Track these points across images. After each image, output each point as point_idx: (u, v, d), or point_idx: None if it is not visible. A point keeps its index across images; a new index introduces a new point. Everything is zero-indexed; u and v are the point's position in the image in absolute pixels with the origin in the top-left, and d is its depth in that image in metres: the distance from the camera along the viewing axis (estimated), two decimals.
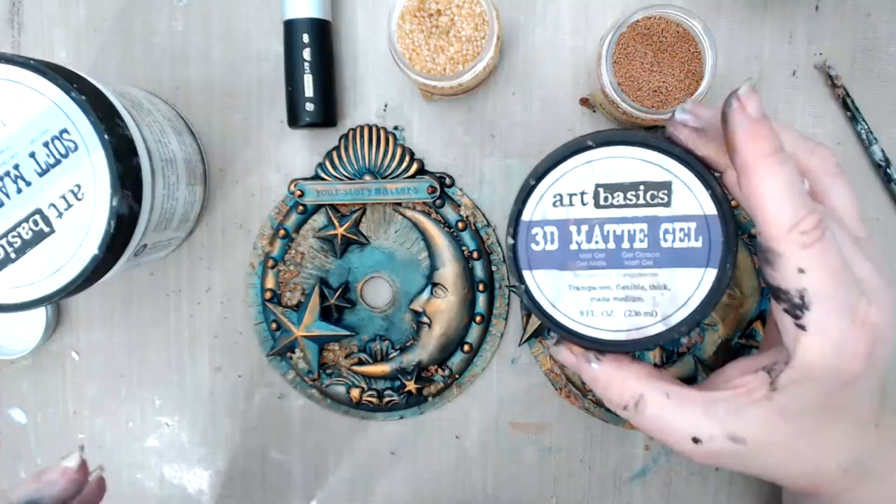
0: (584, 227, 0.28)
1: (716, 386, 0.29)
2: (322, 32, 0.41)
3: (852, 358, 0.26)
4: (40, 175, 0.32)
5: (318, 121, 0.41)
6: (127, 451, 0.46)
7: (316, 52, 0.41)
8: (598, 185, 0.28)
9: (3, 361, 0.46)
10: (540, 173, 0.28)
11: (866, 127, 0.41)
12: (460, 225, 0.43)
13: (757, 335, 0.42)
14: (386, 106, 0.43)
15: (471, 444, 0.45)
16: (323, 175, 0.43)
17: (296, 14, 0.41)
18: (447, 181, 0.43)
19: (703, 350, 0.42)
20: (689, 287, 0.28)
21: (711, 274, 0.27)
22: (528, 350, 0.44)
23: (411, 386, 0.44)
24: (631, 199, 0.28)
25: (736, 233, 0.27)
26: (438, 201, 0.43)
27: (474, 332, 0.44)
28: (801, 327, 0.26)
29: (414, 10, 0.36)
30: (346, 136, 0.43)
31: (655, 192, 0.27)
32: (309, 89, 0.41)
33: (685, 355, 0.42)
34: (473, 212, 0.43)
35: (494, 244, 0.43)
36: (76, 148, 0.31)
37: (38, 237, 0.32)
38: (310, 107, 0.41)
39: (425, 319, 0.44)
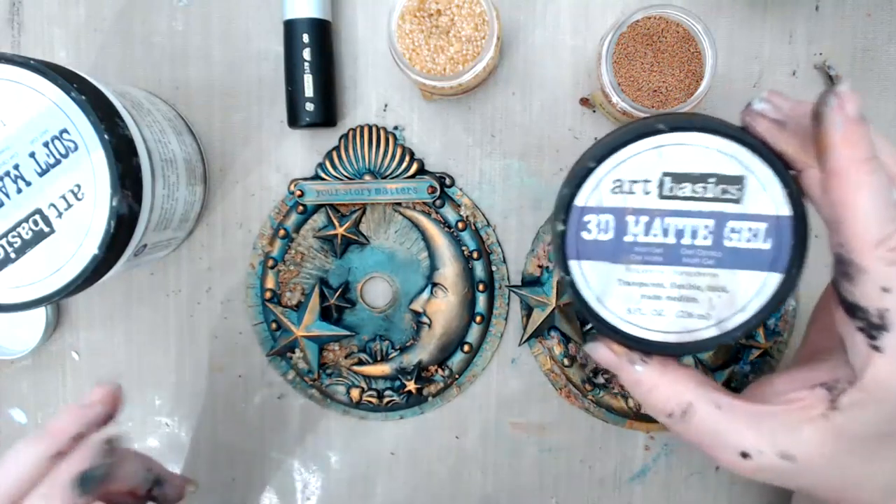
0: (644, 219, 0.26)
1: (765, 399, 0.27)
2: (322, 32, 0.41)
3: None
4: (40, 175, 0.32)
5: (318, 121, 0.41)
6: None
7: (316, 52, 0.41)
8: (664, 174, 0.25)
9: (3, 361, 0.46)
10: (601, 155, 0.25)
11: None
12: (460, 225, 0.43)
13: (757, 335, 0.42)
14: (386, 106, 0.43)
15: (471, 444, 0.45)
16: (323, 175, 0.43)
17: (296, 14, 0.41)
18: (447, 181, 0.43)
19: None
20: (750, 291, 0.26)
21: (775, 279, 0.25)
22: (528, 350, 0.44)
23: (411, 386, 0.44)
24: (699, 192, 0.25)
25: (808, 238, 0.25)
26: (438, 201, 0.43)
27: (474, 332, 0.44)
28: (876, 348, 0.24)
29: (414, 10, 0.36)
30: (346, 136, 0.43)
31: (727, 187, 0.25)
32: (309, 89, 0.41)
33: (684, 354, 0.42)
34: (473, 212, 0.43)
35: (494, 244, 0.43)
36: (76, 148, 0.31)
37: (38, 237, 0.32)
38: (310, 107, 0.41)
39: (425, 319, 0.44)
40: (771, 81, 0.42)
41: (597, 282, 0.26)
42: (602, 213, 0.26)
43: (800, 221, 0.25)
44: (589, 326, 0.43)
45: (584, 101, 0.42)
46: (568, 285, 0.26)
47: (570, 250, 0.26)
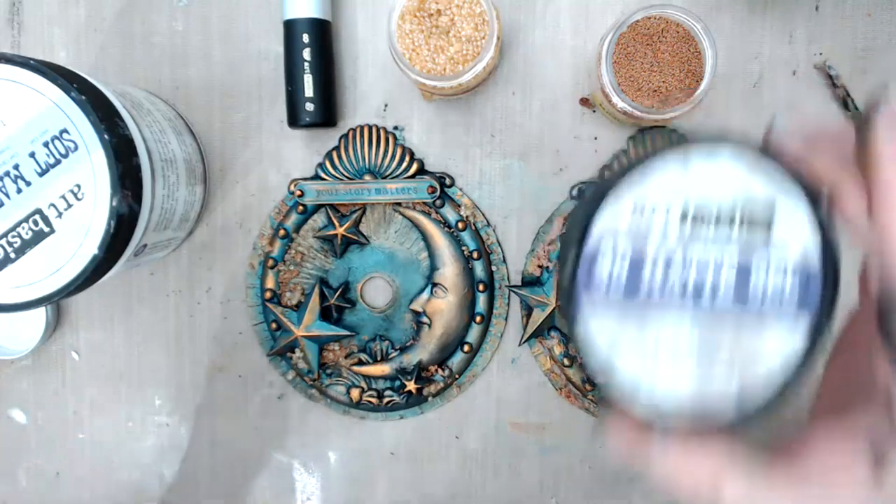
0: (663, 253, 0.22)
1: (801, 459, 0.24)
2: (322, 32, 0.41)
3: None
4: (40, 175, 0.32)
5: (318, 121, 0.41)
6: (127, 451, 0.46)
7: (316, 52, 0.41)
8: (687, 200, 0.22)
9: (3, 361, 0.46)
10: (620, 178, 0.22)
11: None
12: (460, 225, 0.43)
13: None
14: (386, 106, 0.43)
15: (471, 444, 0.45)
16: (323, 175, 0.43)
17: (296, 14, 0.41)
18: (447, 181, 0.43)
19: None
20: (777, 350, 0.22)
21: (804, 321, 0.22)
22: (528, 350, 0.44)
23: (411, 386, 0.44)
24: (723, 222, 0.22)
25: (839, 265, 0.22)
26: (438, 201, 0.43)
27: (474, 332, 0.44)
28: None
29: (414, 10, 0.36)
30: (346, 136, 0.43)
31: (754, 214, 0.22)
32: (309, 89, 0.41)
33: None
34: (473, 212, 0.43)
35: (494, 244, 0.43)
36: (76, 148, 0.31)
37: (38, 237, 0.32)
38: (310, 107, 0.41)
39: (425, 319, 0.44)
40: (771, 81, 0.42)
41: (605, 336, 0.23)
42: (619, 244, 0.22)
43: (830, 250, 0.22)
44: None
45: (584, 101, 0.42)
46: (578, 342, 0.23)
47: (580, 294, 0.22)
